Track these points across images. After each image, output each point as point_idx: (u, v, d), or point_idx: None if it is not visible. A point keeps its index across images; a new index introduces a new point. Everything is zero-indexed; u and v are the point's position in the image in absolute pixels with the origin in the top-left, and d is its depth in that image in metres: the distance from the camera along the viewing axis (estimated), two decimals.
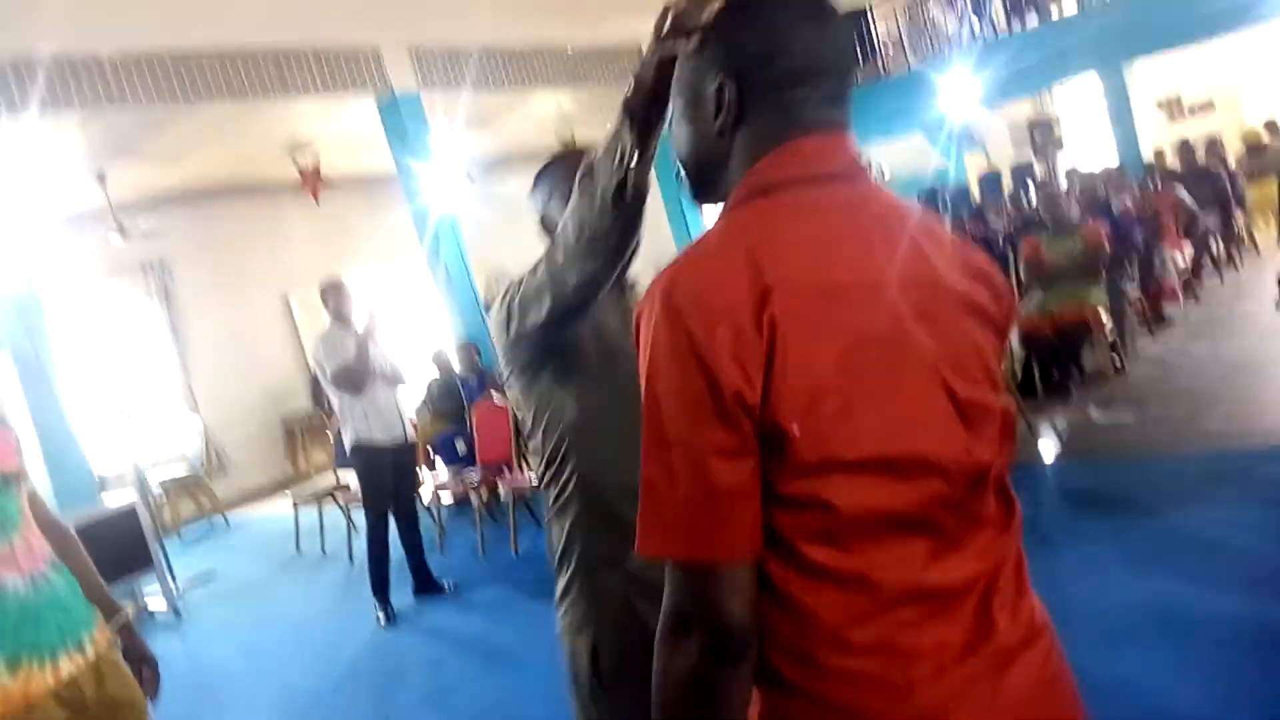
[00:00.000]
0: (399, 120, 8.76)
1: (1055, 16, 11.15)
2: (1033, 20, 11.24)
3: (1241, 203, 9.25)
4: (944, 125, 12.37)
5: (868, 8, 12.58)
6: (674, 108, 1.11)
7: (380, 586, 5.04)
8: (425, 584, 5.28)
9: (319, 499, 7.11)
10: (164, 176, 9.79)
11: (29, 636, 1.90)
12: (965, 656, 0.91)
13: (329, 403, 5.43)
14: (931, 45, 12.21)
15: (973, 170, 14.94)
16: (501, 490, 6.00)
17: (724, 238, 0.96)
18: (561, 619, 1.75)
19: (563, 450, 1.69)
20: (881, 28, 12.57)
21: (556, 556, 1.74)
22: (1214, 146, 10.16)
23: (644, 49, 1.19)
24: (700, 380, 0.86)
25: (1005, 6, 11.48)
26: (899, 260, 0.94)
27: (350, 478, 6.87)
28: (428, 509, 6.50)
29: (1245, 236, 9.45)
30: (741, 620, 0.89)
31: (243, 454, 10.53)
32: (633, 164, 1.30)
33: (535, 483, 1.90)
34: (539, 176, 1.80)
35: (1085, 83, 12.06)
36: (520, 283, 1.60)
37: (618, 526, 1.64)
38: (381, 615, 5.00)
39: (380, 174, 10.85)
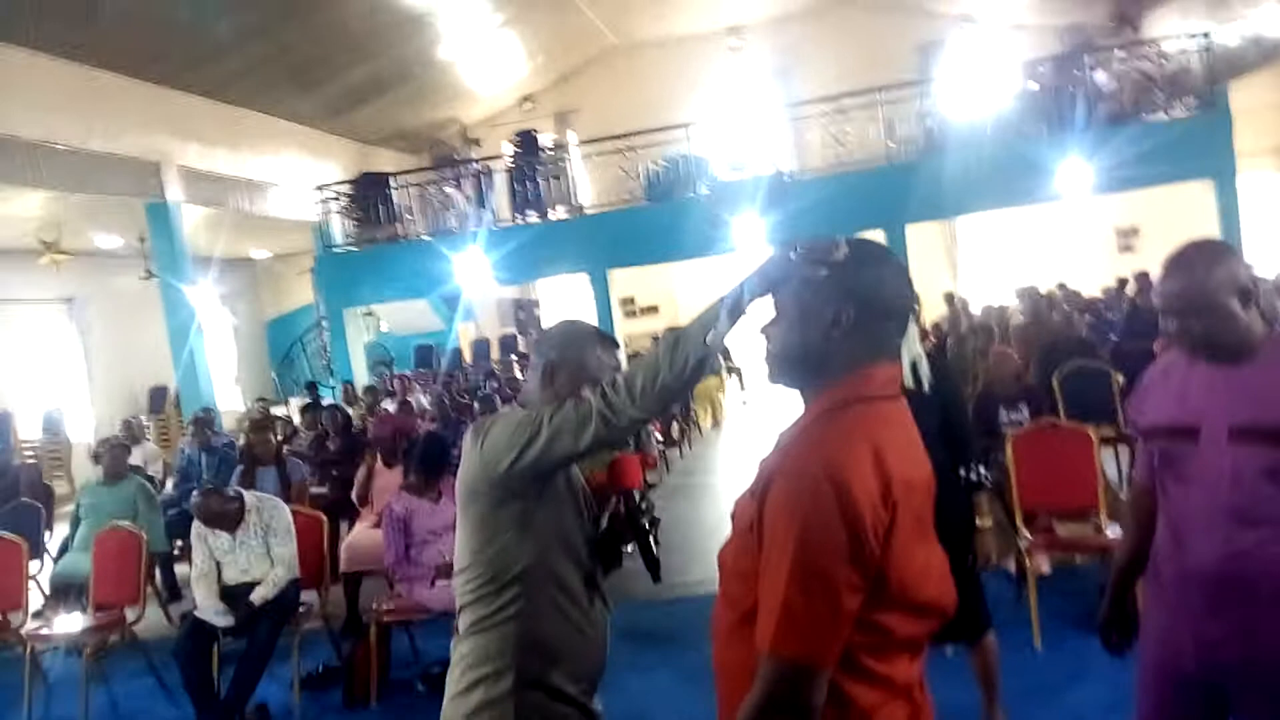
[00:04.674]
0: None
1: (552, 218, 12.95)
2: (534, 218, 12.93)
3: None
4: (446, 293, 13.45)
5: (390, 176, 13.41)
6: (784, 313, 1.46)
7: None
8: None
9: None
10: None
11: None
12: None
13: None
14: (441, 220, 13.32)
15: (464, 335, 16.22)
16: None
17: (849, 434, 1.34)
18: None
19: (512, 571, 1.89)
20: (400, 195, 13.41)
21: (475, 671, 1.91)
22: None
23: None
24: (848, 537, 1.26)
25: (512, 200, 13.03)
26: (922, 462, 1.46)
27: None
28: None
29: (695, 421, 11.68)
30: (819, 708, 1.29)
31: None
32: (721, 345, 1.64)
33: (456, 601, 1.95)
34: (563, 334, 2.08)
35: (571, 277, 14.04)
36: (545, 414, 1.81)
37: (550, 645, 1.92)
38: None
39: None
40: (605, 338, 2.12)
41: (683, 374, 1.67)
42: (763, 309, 1.58)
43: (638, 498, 2.04)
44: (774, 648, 1.29)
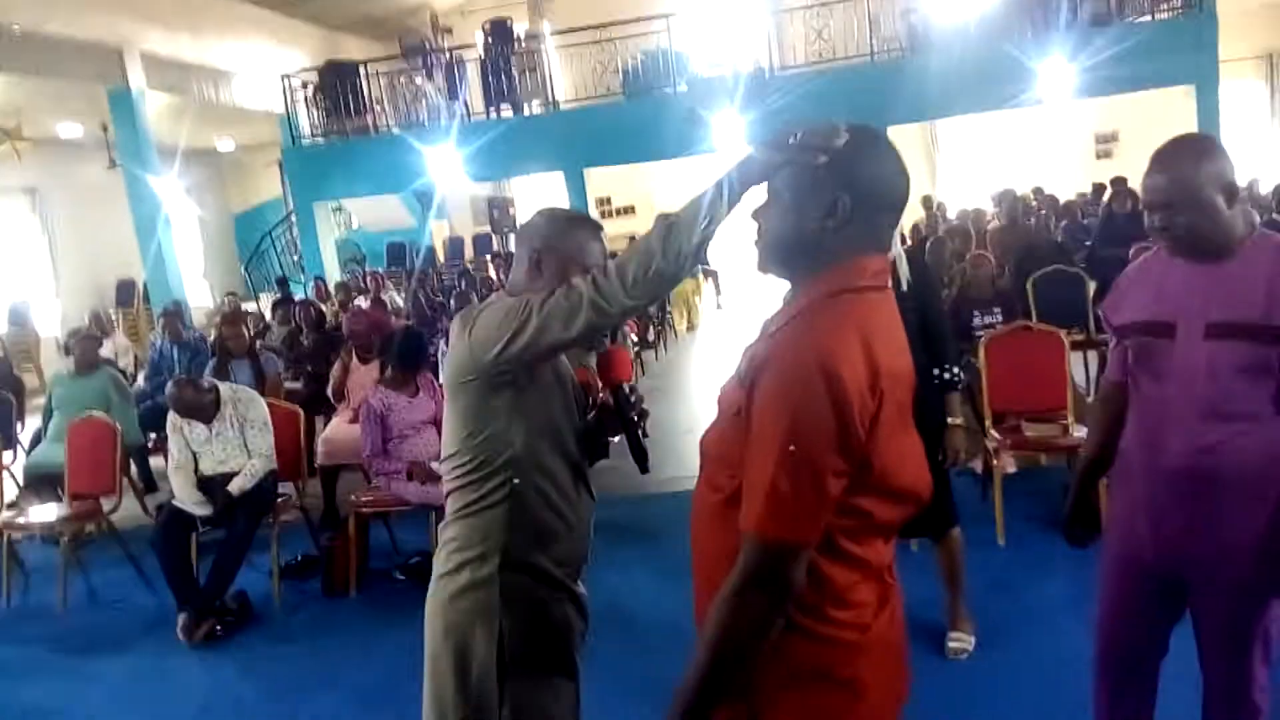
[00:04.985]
0: None
1: (526, 113, 12.68)
2: (507, 112, 12.65)
3: None
4: (419, 189, 13.21)
5: (360, 65, 12.98)
6: (778, 199, 1.44)
7: None
8: None
9: None
10: None
11: None
12: (884, 605, 1.47)
13: None
14: (412, 113, 12.99)
15: (437, 234, 16.01)
16: None
17: (840, 323, 1.34)
18: (450, 610, 1.95)
19: (500, 458, 1.90)
20: (369, 86, 13.02)
21: (462, 553, 1.95)
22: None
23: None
24: (837, 425, 1.27)
25: (485, 93, 12.71)
26: (906, 354, 1.46)
27: None
28: None
29: (671, 324, 11.70)
30: (800, 585, 1.33)
31: None
32: (717, 230, 1.61)
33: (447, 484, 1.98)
34: (548, 221, 2.02)
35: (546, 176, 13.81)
36: (535, 302, 1.77)
37: (536, 531, 1.95)
38: None
39: None
40: (589, 221, 2.09)
41: (677, 261, 1.65)
42: (756, 195, 1.54)
43: (627, 390, 2.05)
44: (759, 528, 1.32)
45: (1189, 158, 1.97)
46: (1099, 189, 12.11)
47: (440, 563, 2.01)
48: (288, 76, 12.91)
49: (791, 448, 1.29)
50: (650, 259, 1.67)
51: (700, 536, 1.52)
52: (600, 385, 2.08)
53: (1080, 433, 4.46)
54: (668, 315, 11.27)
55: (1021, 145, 15.95)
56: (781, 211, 1.44)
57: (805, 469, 1.29)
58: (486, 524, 1.94)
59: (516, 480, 1.92)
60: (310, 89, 12.89)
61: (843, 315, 1.37)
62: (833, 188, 1.38)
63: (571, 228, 2.03)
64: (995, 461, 4.50)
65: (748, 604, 1.33)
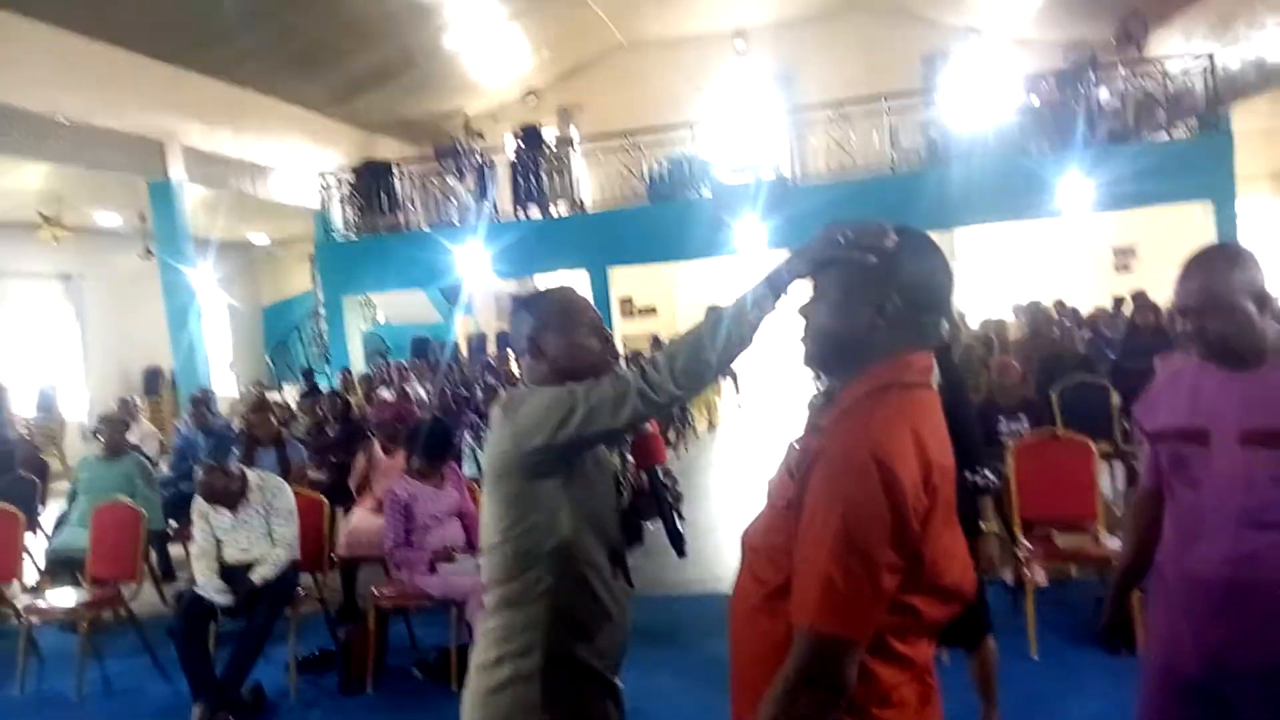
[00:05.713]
0: None
1: (553, 214, 12.98)
2: (535, 212, 12.94)
3: None
4: (446, 286, 13.45)
5: (393, 165, 13.38)
6: (826, 296, 1.47)
7: None
8: None
9: None
10: None
11: None
12: (924, 705, 1.46)
13: None
14: (443, 212, 13.31)
15: (460, 329, 16.21)
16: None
17: (893, 418, 1.36)
18: (489, 703, 1.90)
19: (544, 548, 1.87)
20: (402, 185, 13.40)
21: (503, 645, 1.90)
22: (658, 342, 12.58)
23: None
24: (893, 519, 1.29)
25: (514, 194, 13.03)
26: (950, 451, 1.46)
27: None
28: None
29: (692, 423, 11.71)
30: (852, 683, 1.32)
31: None
32: (763, 323, 1.65)
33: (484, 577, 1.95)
34: (528, 304, 2.04)
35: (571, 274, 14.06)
36: (581, 391, 1.79)
37: (579, 622, 1.92)
38: None
39: None
40: (566, 289, 2.10)
41: (725, 351, 1.68)
42: (801, 290, 1.58)
43: (661, 474, 2.05)
44: (814, 624, 1.31)
45: (1222, 265, 2.00)
46: (1118, 302, 12.19)
47: (480, 653, 1.96)
48: (325, 174, 13.32)
49: (847, 540, 1.29)
50: (700, 349, 1.70)
51: (741, 631, 1.51)
52: (634, 469, 2.09)
53: (1111, 543, 4.41)
54: (688, 415, 11.27)
55: (1040, 257, 16.10)
56: (830, 308, 1.47)
57: (859, 563, 1.29)
58: (529, 615, 1.90)
59: (559, 571, 1.89)
60: (345, 186, 13.26)
61: (895, 411, 1.39)
62: (882, 287, 1.42)
63: (553, 300, 2.05)
64: (1027, 572, 4.43)
65: (799, 703, 1.31)
